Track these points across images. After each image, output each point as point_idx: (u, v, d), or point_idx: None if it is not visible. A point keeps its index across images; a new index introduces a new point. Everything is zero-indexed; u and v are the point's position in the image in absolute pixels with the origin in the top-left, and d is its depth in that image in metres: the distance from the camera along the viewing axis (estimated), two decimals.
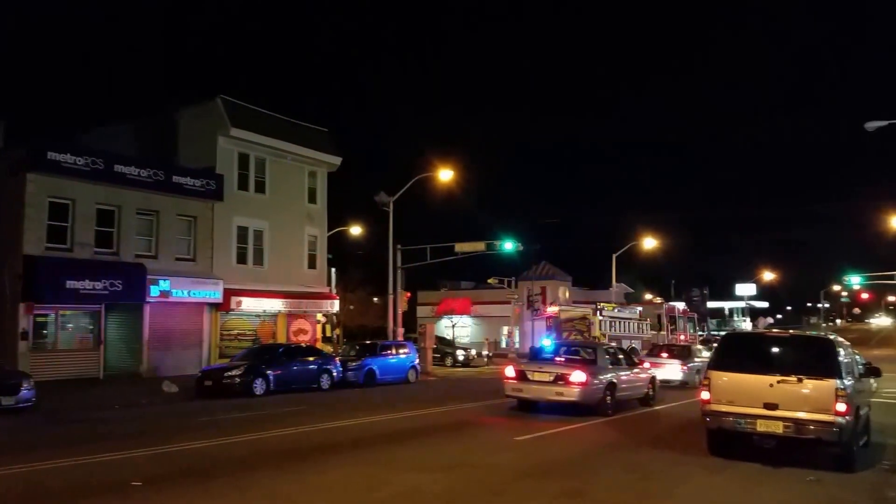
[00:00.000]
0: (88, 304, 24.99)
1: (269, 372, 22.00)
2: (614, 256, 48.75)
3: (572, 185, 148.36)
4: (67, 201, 24.91)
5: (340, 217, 37.52)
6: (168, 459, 10.56)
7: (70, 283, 23.97)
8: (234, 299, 29.74)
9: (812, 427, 10.35)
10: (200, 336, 29.03)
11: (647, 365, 20.91)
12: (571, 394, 15.98)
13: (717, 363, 11.70)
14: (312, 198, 35.09)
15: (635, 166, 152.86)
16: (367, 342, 29.77)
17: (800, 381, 10.58)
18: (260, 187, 32.35)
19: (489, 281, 50.08)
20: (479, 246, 35.12)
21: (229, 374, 21.51)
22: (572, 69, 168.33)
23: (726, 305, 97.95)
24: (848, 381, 10.69)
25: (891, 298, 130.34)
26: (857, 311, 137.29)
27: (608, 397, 16.70)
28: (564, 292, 61.79)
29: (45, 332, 24.43)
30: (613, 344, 24.36)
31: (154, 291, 26.53)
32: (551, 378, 16.26)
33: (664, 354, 26.86)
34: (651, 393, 19.44)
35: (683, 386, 24.32)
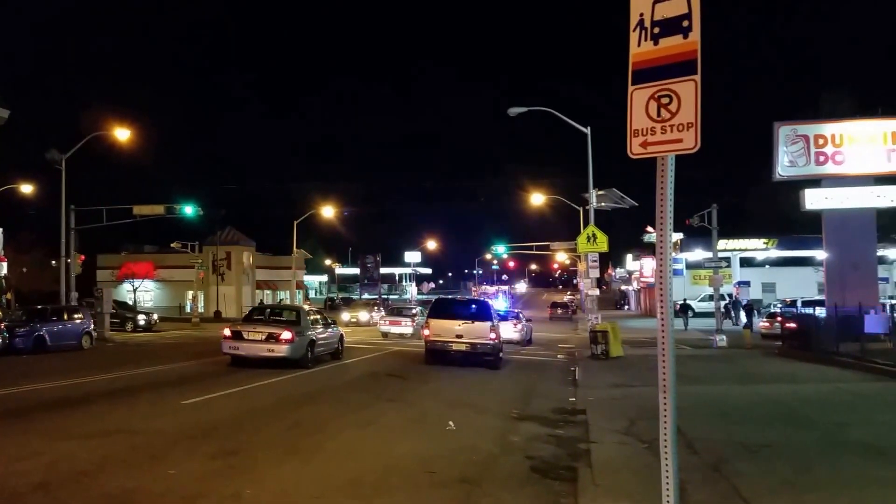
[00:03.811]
0: None
1: None
2: (295, 224, 49.27)
3: (259, 152, 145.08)
4: None
5: (10, 174, 32.48)
6: None
7: None
8: None
9: (479, 345, 19.12)
10: None
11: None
12: (281, 350, 17.20)
13: (432, 315, 20.30)
14: None
15: (317, 136, 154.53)
16: (37, 307, 26.33)
17: (473, 322, 19.43)
18: None
19: (172, 245, 47.24)
20: (159, 209, 32.89)
21: None
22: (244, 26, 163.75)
23: (396, 272, 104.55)
24: (496, 322, 20.44)
25: (532, 267, 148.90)
26: (505, 277, 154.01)
27: (309, 353, 18.19)
28: (249, 257, 60.91)
29: None
30: (313, 307, 25.86)
31: None
32: (264, 336, 17.40)
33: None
34: (340, 348, 21.38)
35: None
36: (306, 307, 25.39)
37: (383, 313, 39.57)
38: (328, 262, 76.75)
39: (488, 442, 9.19)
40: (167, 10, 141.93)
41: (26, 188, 33.51)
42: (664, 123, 4.38)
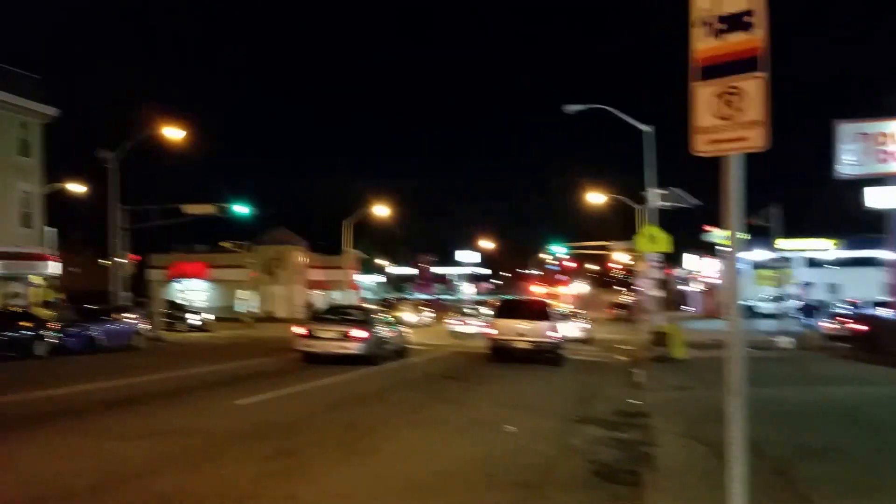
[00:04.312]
0: None
1: None
2: (344, 223, 50.14)
3: (309, 151, 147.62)
4: None
5: (64, 174, 34.10)
6: None
7: None
8: None
9: (541, 344, 20.96)
10: None
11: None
12: (354, 347, 19.05)
13: (497, 315, 22.95)
14: (26, 150, 31.44)
15: (372, 136, 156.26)
16: (89, 307, 27.63)
17: (535, 322, 21.23)
18: None
19: (223, 245, 48.78)
20: (209, 208, 34.05)
21: None
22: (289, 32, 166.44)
23: (451, 271, 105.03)
24: (558, 323, 22.72)
25: (590, 266, 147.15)
26: (563, 277, 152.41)
27: (378, 351, 20.01)
28: (301, 257, 62.22)
29: None
30: (379, 307, 28.59)
31: None
32: (337, 335, 19.22)
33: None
34: (404, 347, 23.21)
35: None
36: (373, 307, 26.88)
37: (455, 314, 41.82)
38: (382, 261, 77.72)
39: (547, 444, 9.31)
40: (218, 9, 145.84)
41: (77, 188, 34.95)
42: (730, 121, 4.45)
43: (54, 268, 32.59)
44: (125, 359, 22.15)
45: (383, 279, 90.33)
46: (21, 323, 22.24)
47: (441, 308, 67.67)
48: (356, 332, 19.33)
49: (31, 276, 31.47)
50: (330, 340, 19.25)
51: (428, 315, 42.88)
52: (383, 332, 21.34)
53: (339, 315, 21.89)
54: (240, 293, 56.05)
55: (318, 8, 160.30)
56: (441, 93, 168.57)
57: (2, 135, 30.12)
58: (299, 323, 23.07)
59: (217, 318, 43.21)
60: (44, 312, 27.02)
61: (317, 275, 63.52)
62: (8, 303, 28.42)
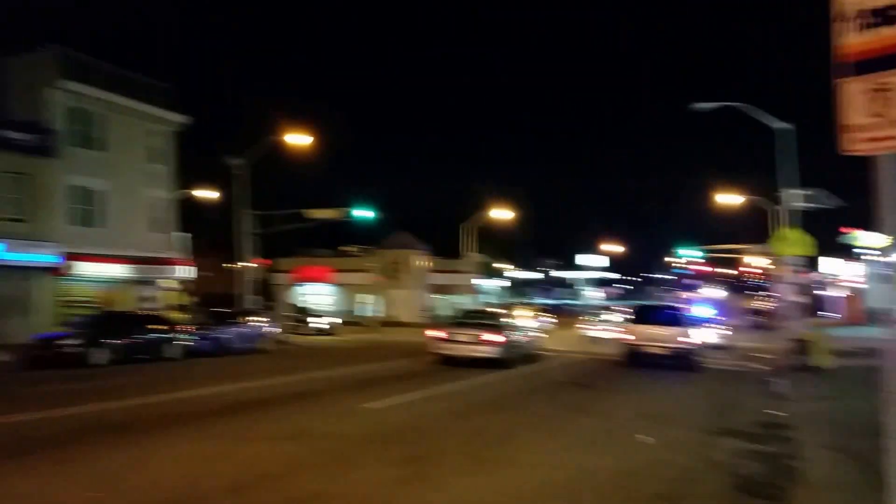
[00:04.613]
0: None
1: (109, 341, 21.38)
2: (464, 227, 50.94)
3: (432, 154, 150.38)
4: None
5: (192, 179, 36.81)
6: None
7: None
8: (70, 264, 28.74)
9: (677, 350, 21.47)
10: (34, 302, 27.92)
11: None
12: (489, 351, 20.47)
13: (632, 320, 23.62)
14: (157, 158, 34.26)
15: (488, 140, 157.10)
16: (219, 310, 29.63)
17: (671, 327, 22.02)
18: (99, 144, 31.24)
19: (345, 248, 50.85)
20: (332, 213, 35.67)
21: (63, 342, 20.76)
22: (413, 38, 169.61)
23: (574, 275, 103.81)
24: (694, 329, 22.90)
25: (721, 271, 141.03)
26: (695, 281, 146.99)
27: (512, 353, 21.13)
28: (423, 261, 63.65)
29: None
30: (509, 312, 29.84)
31: None
32: (473, 338, 20.67)
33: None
34: (535, 352, 24.16)
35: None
36: (505, 312, 28.28)
37: (587, 319, 42.59)
38: (504, 265, 78.08)
39: (685, 456, 9.28)
40: (336, 18, 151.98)
41: (206, 193, 37.48)
42: (883, 118, 4.39)
43: (187, 272, 35.24)
44: (254, 361, 23.61)
45: (506, 283, 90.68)
46: (154, 326, 24.18)
47: (565, 313, 67.12)
48: (492, 336, 20.66)
49: (163, 281, 34.19)
50: (466, 344, 20.67)
51: (547, 320, 42.81)
52: (517, 336, 22.43)
53: (474, 319, 23.12)
54: (362, 297, 58.13)
55: (442, 17, 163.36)
56: (563, 96, 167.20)
57: (134, 143, 32.98)
58: (433, 327, 24.72)
59: (342, 322, 45.02)
60: (176, 316, 29.44)
61: (438, 279, 64.78)
62: (141, 306, 30.99)
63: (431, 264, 64.51)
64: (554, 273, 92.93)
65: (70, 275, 29.03)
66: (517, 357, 21.74)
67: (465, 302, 56.83)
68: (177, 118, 34.65)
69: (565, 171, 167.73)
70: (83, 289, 30.33)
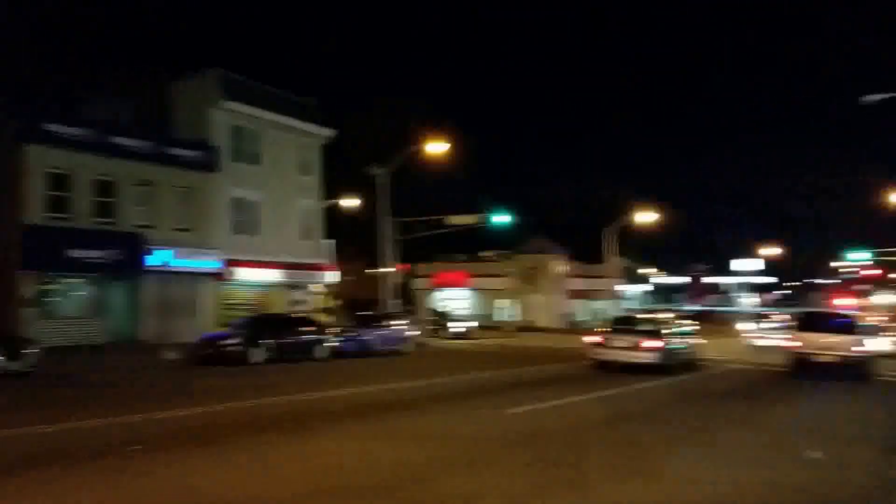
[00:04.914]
0: (89, 272, 26.01)
1: (265, 341, 22.69)
2: (606, 231, 49.74)
3: (570, 159, 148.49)
4: (65, 172, 25.69)
5: (336, 188, 38.34)
6: (165, 424, 11.05)
7: (70, 252, 24.94)
8: (231, 269, 30.71)
9: (847, 358, 20.40)
10: (199, 305, 30.03)
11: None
12: (648, 357, 20.30)
13: (798, 327, 22.35)
14: (306, 169, 35.93)
15: (633, 142, 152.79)
16: (363, 313, 30.62)
17: (840, 335, 20.94)
18: (254, 159, 33.17)
19: (483, 254, 51.12)
20: (471, 219, 35.98)
21: (227, 342, 22.30)
22: (562, 40, 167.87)
23: (726, 280, 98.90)
24: (866, 337, 21.62)
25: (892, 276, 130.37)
26: (865, 287, 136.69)
27: (670, 360, 20.92)
28: (561, 266, 62.89)
29: (49, 299, 25.51)
30: (670, 317, 29.52)
31: (153, 261, 27.49)
32: (631, 344, 20.58)
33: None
34: (694, 359, 23.58)
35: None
36: (664, 317, 27.79)
37: (749, 326, 42.13)
38: (648, 270, 75.85)
39: (860, 475, 8.61)
40: (481, 24, 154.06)
41: (349, 202, 38.83)
42: None
43: (333, 277, 36.74)
44: (396, 363, 24.20)
45: (650, 289, 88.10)
46: (304, 328, 25.38)
47: (717, 320, 64.21)
48: (650, 343, 20.56)
49: (312, 285, 35.81)
50: (623, 349, 20.66)
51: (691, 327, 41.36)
52: (676, 342, 22.22)
53: (632, 324, 23.02)
54: (499, 302, 58.25)
55: (578, 19, 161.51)
56: (711, 93, 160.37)
57: (286, 156, 34.81)
58: (589, 332, 24.83)
59: (479, 327, 45.31)
60: (324, 318, 30.72)
61: (578, 284, 63.85)
62: (292, 309, 32.55)
63: (570, 269, 63.65)
64: (704, 278, 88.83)
65: (230, 280, 30.99)
66: (676, 364, 21.40)
67: (606, 308, 55.58)
68: (324, 132, 36.23)
69: (718, 172, 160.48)
70: (241, 292, 32.30)
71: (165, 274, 28.25)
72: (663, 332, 21.97)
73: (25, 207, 24.54)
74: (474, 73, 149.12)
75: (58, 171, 25.49)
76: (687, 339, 23.91)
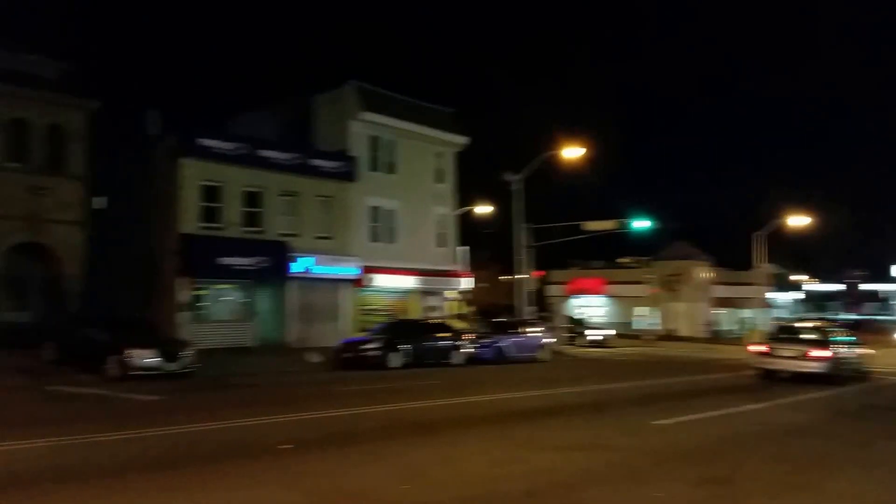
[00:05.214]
0: (238, 278, 27.48)
1: (403, 346, 23.02)
2: (755, 236, 46.84)
3: (713, 162, 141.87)
4: (218, 184, 27.26)
5: (469, 195, 38.49)
6: (312, 425, 11.41)
7: (222, 260, 26.42)
8: (368, 276, 31.44)
9: None
10: (339, 310, 30.96)
11: None
12: (816, 366, 19.72)
13: None
14: (441, 177, 36.30)
15: (782, 143, 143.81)
16: (498, 320, 30.49)
17: None
18: (390, 168, 33.87)
19: (621, 260, 49.65)
20: (609, 224, 34.97)
21: (367, 346, 22.82)
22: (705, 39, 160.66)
23: (889, 287, 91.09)
24: None
25: None
26: None
27: (839, 370, 20.20)
28: (704, 273, 60.02)
29: (203, 304, 27.15)
30: (836, 325, 28.61)
31: (296, 268, 28.64)
32: (798, 353, 20.09)
33: None
34: (861, 369, 22.30)
35: None
36: (832, 325, 27.15)
37: None
38: (801, 277, 71.28)
39: None
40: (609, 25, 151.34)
41: (483, 209, 38.85)
42: None
43: (466, 283, 36.86)
44: (532, 371, 23.84)
45: (801, 297, 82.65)
46: (440, 334, 25.55)
47: (876, 330, 59.22)
48: (818, 352, 20.02)
49: (446, 291, 36.07)
50: (790, 359, 20.21)
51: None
52: (845, 352, 21.48)
53: (796, 333, 22.49)
54: (638, 310, 56.34)
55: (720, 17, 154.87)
56: (860, 90, 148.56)
57: (422, 164, 35.34)
58: (754, 341, 24.43)
59: (616, 335, 44.03)
60: (458, 324, 30.83)
61: (722, 291, 60.69)
62: (427, 315, 32.86)
63: (714, 275, 60.62)
64: (862, 285, 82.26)
65: (367, 286, 31.73)
66: (845, 374, 20.56)
67: (754, 317, 52.45)
68: (459, 139, 36.47)
69: (879, 172, 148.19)
70: (378, 298, 33.01)
71: (307, 280, 29.33)
72: (831, 340, 21.26)
73: (182, 218, 26.19)
74: (613, 74, 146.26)
75: (211, 183, 27.08)
76: (854, 349, 22.53)
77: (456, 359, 24.64)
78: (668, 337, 50.75)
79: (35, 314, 23.36)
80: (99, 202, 26.37)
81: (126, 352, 17.70)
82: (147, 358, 17.90)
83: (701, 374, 22.78)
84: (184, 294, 26.02)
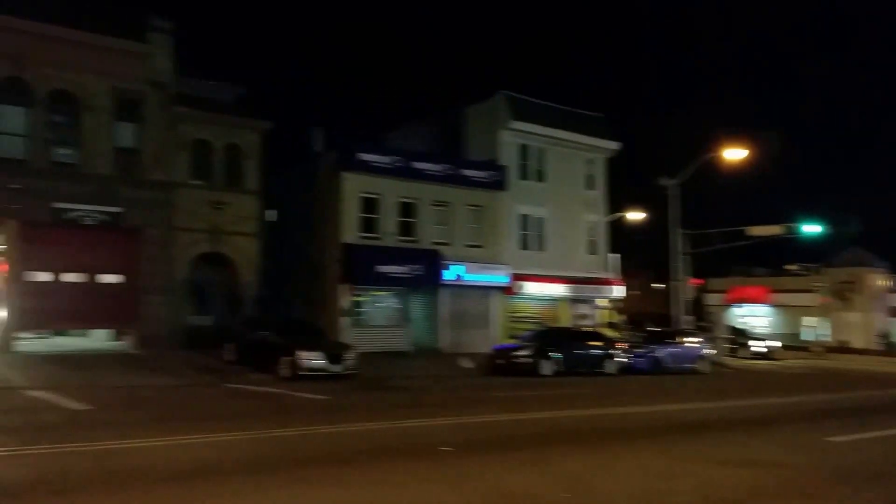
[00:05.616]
0: (394, 286, 28.61)
1: (555, 354, 23.04)
2: None
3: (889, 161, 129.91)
4: (375, 196, 28.54)
5: (621, 202, 37.69)
6: (469, 429, 11.62)
7: (379, 268, 27.61)
8: (518, 284, 31.64)
9: None
10: (489, 317, 31.38)
11: None
12: None
13: None
14: (591, 184, 35.88)
15: None
16: (653, 329, 29.76)
17: None
18: (540, 176, 33.92)
19: (788, 268, 46.66)
20: (775, 230, 33.02)
21: (518, 353, 23.04)
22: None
23: None
24: None
25: None
26: None
27: None
28: (882, 281, 55.18)
29: (361, 309, 28.47)
30: None
31: (448, 275, 29.40)
32: None
33: None
34: None
35: None
36: None
37: None
38: None
39: None
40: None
41: (635, 215, 37.89)
42: None
43: (618, 291, 36.14)
44: (691, 382, 23.02)
45: None
46: (592, 342, 25.26)
47: None
48: None
49: (597, 299, 35.53)
50: None
51: None
52: None
53: None
54: (807, 320, 52.75)
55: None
56: None
57: (572, 171, 35.10)
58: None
59: (782, 346, 41.49)
60: (610, 332, 30.28)
61: None
62: (577, 323, 32.53)
63: (891, 284, 55.59)
64: None
65: (517, 293, 31.92)
66: None
67: None
68: (609, 145, 35.95)
69: None
70: (527, 306, 33.11)
71: (459, 288, 30.00)
72: None
73: (343, 228, 27.63)
74: (775, 74, 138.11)
75: (369, 195, 28.39)
76: None
77: (609, 368, 24.28)
78: (839, 349, 47.13)
79: (216, 318, 25.46)
80: (270, 215, 28.36)
81: (297, 353, 18.93)
82: (315, 360, 19.03)
83: (878, 390, 21.08)
84: (345, 300, 27.43)
